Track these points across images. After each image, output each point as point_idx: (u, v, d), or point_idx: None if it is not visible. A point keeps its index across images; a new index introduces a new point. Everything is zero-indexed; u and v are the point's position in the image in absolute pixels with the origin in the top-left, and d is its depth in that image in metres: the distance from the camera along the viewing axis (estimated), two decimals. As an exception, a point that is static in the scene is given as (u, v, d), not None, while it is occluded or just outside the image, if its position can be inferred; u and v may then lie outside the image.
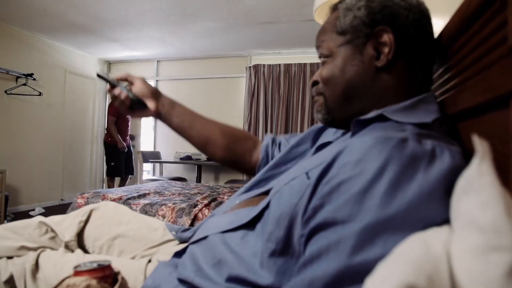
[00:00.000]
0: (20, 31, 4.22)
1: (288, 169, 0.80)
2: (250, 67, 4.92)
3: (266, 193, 0.72)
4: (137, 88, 0.92)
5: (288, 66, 4.74)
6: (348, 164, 0.45)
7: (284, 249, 0.51)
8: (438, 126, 0.55)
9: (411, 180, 0.41)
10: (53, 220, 0.94)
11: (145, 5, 3.46)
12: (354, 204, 0.41)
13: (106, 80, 0.91)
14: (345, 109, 0.63)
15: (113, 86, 0.91)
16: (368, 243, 0.39)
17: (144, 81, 0.94)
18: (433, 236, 0.36)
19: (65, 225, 0.93)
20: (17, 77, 4.16)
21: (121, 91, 0.90)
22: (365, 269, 0.36)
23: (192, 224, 2.11)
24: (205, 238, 0.65)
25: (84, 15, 3.76)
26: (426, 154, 0.43)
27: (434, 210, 0.40)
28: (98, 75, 0.94)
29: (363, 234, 0.39)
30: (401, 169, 0.42)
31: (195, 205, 2.25)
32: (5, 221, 3.47)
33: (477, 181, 0.34)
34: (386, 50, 0.57)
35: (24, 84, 4.20)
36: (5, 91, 4.03)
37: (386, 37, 0.57)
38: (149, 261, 0.80)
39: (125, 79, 0.93)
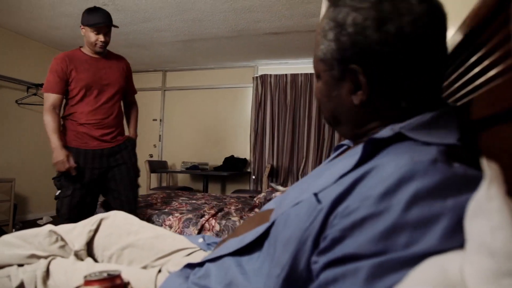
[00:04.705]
0: (30, 41, 4.30)
1: None
2: (257, 77, 4.94)
3: None
4: None
5: (294, 76, 4.75)
6: (371, 197, 0.42)
7: (290, 274, 0.49)
8: (463, 143, 0.50)
9: (441, 213, 0.38)
10: (63, 229, 0.95)
11: (154, 18, 3.52)
12: (379, 242, 0.39)
13: None
14: (338, 130, 0.65)
15: None
16: (388, 274, 0.37)
17: None
18: (450, 260, 0.35)
19: (75, 234, 0.94)
20: (28, 87, 4.22)
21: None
22: None
23: (199, 233, 2.11)
24: (220, 258, 0.65)
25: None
26: (457, 180, 0.41)
27: (462, 240, 0.37)
28: None
29: (384, 266, 0.38)
30: (431, 201, 0.39)
31: (202, 215, 2.25)
32: (14, 230, 3.49)
33: (486, 205, 0.35)
34: (360, 89, 0.54)
35: (35, 94, 4.26)
36: (16, 101, 4.10)
37: (360, 77, 0.53)
38: (159, 271, 0.80)
39: None
